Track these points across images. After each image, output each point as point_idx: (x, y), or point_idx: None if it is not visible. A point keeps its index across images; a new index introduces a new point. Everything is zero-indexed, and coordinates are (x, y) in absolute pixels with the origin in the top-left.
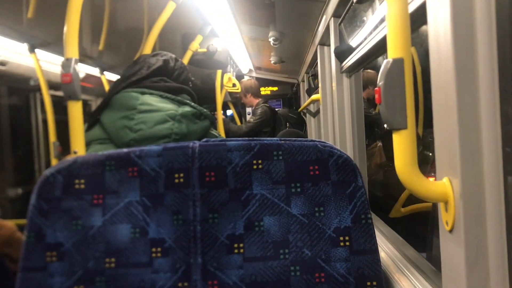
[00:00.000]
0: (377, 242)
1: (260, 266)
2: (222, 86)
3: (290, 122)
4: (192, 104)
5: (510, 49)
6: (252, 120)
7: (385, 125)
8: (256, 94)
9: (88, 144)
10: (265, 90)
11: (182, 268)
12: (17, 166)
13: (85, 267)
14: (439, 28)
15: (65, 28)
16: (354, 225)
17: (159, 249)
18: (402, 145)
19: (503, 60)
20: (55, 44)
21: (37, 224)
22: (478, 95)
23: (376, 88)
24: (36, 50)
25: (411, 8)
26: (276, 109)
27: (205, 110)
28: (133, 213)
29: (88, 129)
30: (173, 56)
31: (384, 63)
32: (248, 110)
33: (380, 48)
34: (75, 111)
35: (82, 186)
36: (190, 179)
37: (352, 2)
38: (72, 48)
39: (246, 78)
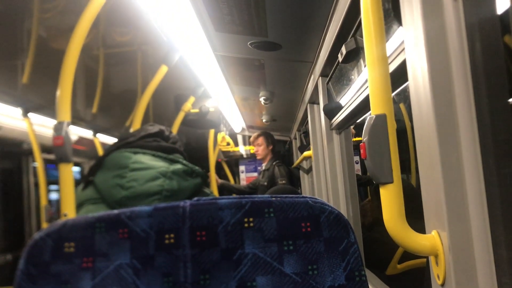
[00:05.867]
0: None
1: None
2: (215, 145)
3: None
4: (184, 162)
5: (488, 103)
6: (284, 181)
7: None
8: (273, 150)
9: (81, 204)
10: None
11: None
12: (7, 231)
13: None
14: (419, 86)
15: (58, 92)
16: (348, 283)
17: None
18: (389, 199)
19: (482, 115)
20: (49, 107)
21: None
22: (460, 148)
23: (361, 144)
24: (30, 114)
25: (393, 67)
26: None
27: (197, 167)
28: (123, 276)
29: (82, 190)
30: (168, 128)
31: (368, 119)
32: (242, 168)
33: (367, 105)
34: (66, 173)
35: (72, 249)
36: (181, 239)
37: (338, 62)
38: (65, 111)
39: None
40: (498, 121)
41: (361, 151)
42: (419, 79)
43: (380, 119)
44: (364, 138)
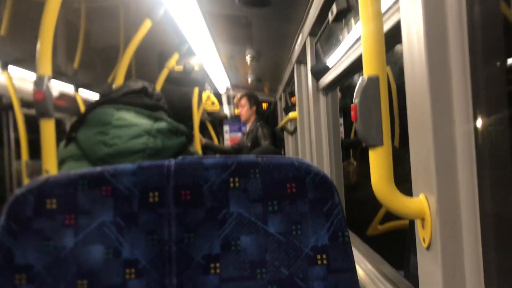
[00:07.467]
0: (355, 260)
1: (236, 286)
2: (199, 104)
3: None
4: (169, 120)
5: (482, 68)
6: (268, 143)
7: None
8: (258, 110)
9: (63, 161)
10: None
11: None
12: None
13: None
14: (414, 46)
15: (38, 45)
16: (331, 243)
17: (133, 270)
18: (378, 162)
19: (476, 79)
20: (29, 61)
21: (6, 245)
22: (452, 112)
23: (352, 105)
24: (9, 67)
25: (386, 27)
26: None
27: (182, 126)
28: (106, 233)
29: (64, 147)
30: (152, 85)
31: (360, 81)
32: (226, 128)
33: (356, 66)
34: (48, 129)
35: (54, 206)
36: (165, 198)
37: (328, 21)
38: (45, 65)
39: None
40: (492, 86)
41: (352, 113)
42: (413, 40)
43: (373, 81)
44: (355, 100)
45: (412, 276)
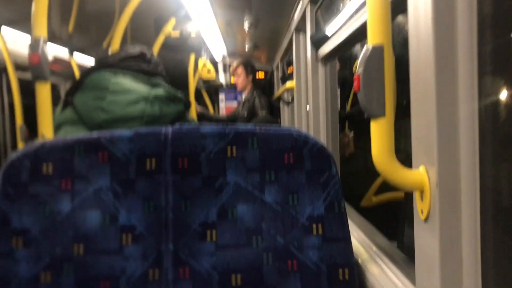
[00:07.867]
0: (349, 230)
1: (232, 253)
2: (195, 71)
3: None
4: (166, 86)
5: (490, 41)
6: (264, 112)
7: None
8: (255, 79)
9: (59, 125)
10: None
11: (153, 255)
12: None
13: (53, 254)
14: (420, 16)
15: (33, 6)
16: (327, 214)
17: (129, 236)
18: (380, 133)
19: (483, 52)
20: (23, 22)
21: (2, 209)
22: (457, 85)
23: (355, 75)
24: (2, 29)
25: None
26: None
27: (179, 93)
28: (103, 199)
29: (61, 111)
30: (150, 49)
31: (364, 50)
32: (221, 97)
33: (357, 35)
34: (44, 93)
35: (50, 170)
36: (162, 165)
37: None
38: (41, 27)
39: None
40: (499, 59)
41: (355, 83)
42: (420, 9)
43: (377, 51)
44: (359, 69)
45: (405, 247)
